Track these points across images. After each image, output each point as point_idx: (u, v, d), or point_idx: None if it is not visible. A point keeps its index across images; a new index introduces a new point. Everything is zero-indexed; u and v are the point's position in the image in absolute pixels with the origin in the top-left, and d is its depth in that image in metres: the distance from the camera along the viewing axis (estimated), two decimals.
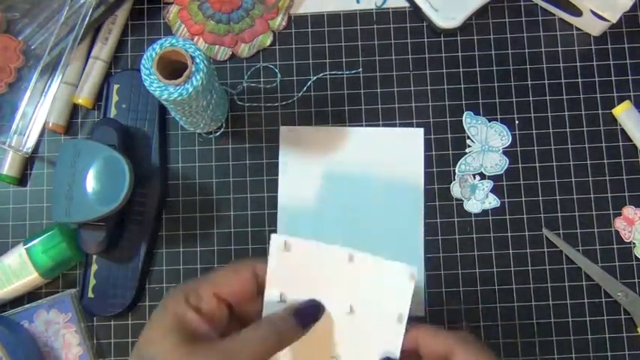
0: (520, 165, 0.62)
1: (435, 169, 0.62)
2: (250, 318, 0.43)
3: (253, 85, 0.64)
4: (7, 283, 0.59)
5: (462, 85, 0.63)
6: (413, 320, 0.43)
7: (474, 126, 0.63)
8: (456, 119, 0.63)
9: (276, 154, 0.63)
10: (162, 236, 0.62)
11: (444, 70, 0.64)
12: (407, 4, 0.65)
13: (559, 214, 0.61)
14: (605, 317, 0.60)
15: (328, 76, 0.64)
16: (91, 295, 0.60)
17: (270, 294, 0.43)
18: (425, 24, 0.64)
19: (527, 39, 0.64)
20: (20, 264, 0.58)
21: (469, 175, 0.62)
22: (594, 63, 0.64)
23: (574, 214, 0.61)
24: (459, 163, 0.62)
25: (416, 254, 0.61)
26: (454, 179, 0.62)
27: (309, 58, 0.64)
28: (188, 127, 0.61)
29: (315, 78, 0.64)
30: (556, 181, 0.62)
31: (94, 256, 0.60)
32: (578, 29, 0.64)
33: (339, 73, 0.64)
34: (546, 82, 0.63)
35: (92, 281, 0.60)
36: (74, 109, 0.64)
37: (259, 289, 0.43)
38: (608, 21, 0.60)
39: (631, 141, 0.62)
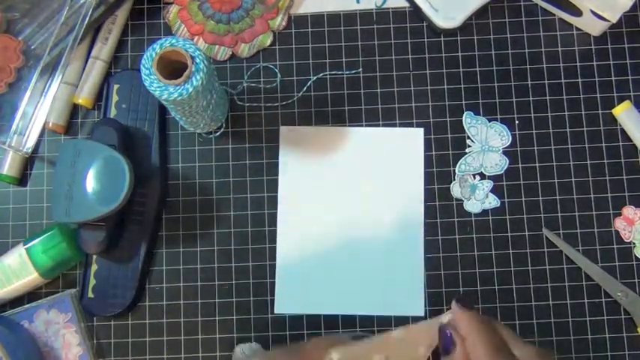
0: (520, 165, 0.62)
1: (435, 169, 0.62)
2: None
3: (253, 85, 0.64)
4: (7, 283, 0.59)
5: (462, 85, 0.63)
6: (414, 321, 0.43)
7: (474, 126, 0.63)
8: (456, 119, 0.63)
9: (276, 154, 0.63)
10: (162, 236, 0.62)
11: (444, 70, 0.64)
12: (407, 4, 0.65)
13: (559, 214, 0.61)
14: (605, 317, 0.60)
15: (328, 76, 0.64)
16: (91, 295, 0.60)
17: None
18: (425, 24, 0.64)
19: (527, 39, 0.64)
20: (20, 264, 0.58)
21: (469, 175, 0.62)
22: (594, 63, 0.64)
23: (574, 214, 0.61)
24: (459, 163, 0.62)
25: (416, 254, 0.61)
26: (454, 179, 0.62)
27: (309, 58, 0.64)
28: (188, 127, 0.61)
29: (315, 78, 0.64)
30: (556, 181, 0.62)
31: (94, 256, 0.60)
32: (578, 29, 0.64)
33: (339, 73, 0.64)
34: (546, 82, 0.63)
35: (92, 281, 0.60)
36: (74, 109, 0.64)
37: None
38: (608, 21, 0.60)
39: (631, 141, 0.62)
